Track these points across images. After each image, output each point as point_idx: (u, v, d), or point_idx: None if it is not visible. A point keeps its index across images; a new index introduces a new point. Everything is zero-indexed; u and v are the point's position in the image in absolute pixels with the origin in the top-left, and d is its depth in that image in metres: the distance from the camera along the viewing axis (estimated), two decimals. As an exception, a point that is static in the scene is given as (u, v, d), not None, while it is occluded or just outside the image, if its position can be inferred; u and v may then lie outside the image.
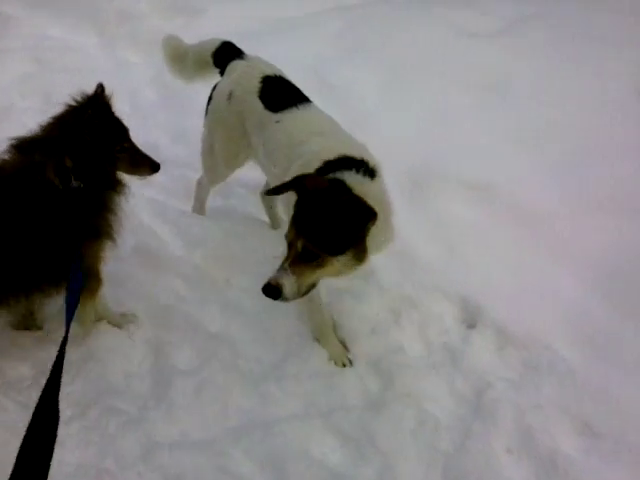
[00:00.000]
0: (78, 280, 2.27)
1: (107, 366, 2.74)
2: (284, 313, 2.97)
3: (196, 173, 3.59)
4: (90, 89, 4.51)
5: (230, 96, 3.00)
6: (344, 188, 2.29)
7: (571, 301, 3.01)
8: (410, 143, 3.73)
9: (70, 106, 2.53)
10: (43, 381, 2.62)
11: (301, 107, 2.81)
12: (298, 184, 2.31)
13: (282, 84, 2.97)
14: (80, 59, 5.51)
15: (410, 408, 2.57)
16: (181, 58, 3.35)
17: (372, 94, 4.33)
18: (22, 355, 2.77)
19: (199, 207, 3.61)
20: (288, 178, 2.41)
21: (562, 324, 2.91)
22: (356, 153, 2.48)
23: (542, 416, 2.57)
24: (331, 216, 2.19)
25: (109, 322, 2.90)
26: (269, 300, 3.00)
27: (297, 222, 2.27)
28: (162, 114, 4.69)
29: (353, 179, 2.34)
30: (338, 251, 2.24)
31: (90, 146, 2.46)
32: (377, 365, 2.78)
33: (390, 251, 3.17)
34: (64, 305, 2.28)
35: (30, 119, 4.56)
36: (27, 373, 2.71)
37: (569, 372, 2.71)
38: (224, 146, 3.16)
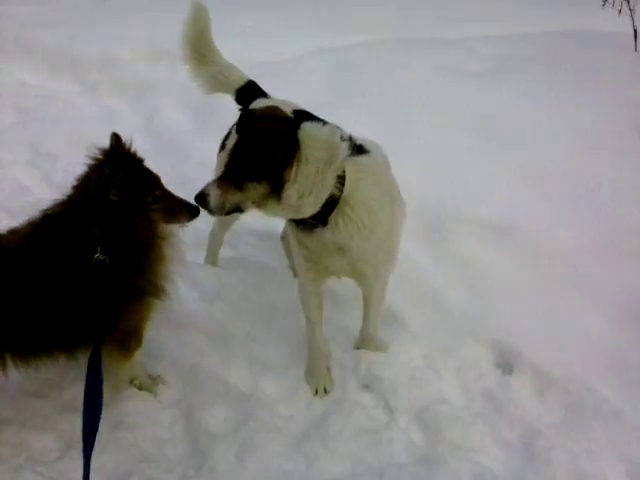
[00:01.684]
0: (98, 392, 2.14)
1: (138, 433, 2.59)
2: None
3: (205, 224, 3.48)
4: (76, 138, 4.34)
5: None
6: (272, 116, 2.35)
7: (603, 340, 3.00)
8: (420, 186, 3.70)
9: (90, 165, 2.36)
10: (71, 453, 2.51)
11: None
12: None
13: (313, 116, 2.88)
14: (63, 107, 5.42)
15: (464, 462, 2.48)
16: (202, 52, 3.15)
17: (373, 137, 4.31)
18: (46, 425, 2.62)
19: (212, 258, 3.50)
20: None
21: (599, 364, 2.89)
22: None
23: (596, 461, 2.52)
24: (248, 140, 2.27)
25: (137, 385, 2.76)
26: (296, 352, 2.96)
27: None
28: (157, 163, 4.55)
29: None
30: (251, 177, 2.25)
31: (118, 206, 2.29)
32: (420, 417, 2.69)
33: (417, 297, 3.16)
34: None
35: (20, 172, 4.48)
36: (53, 445, 2.56)
37: (616, 414, 2.67)
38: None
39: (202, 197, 2.30)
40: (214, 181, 2.34)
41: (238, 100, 3.13)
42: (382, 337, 3.01)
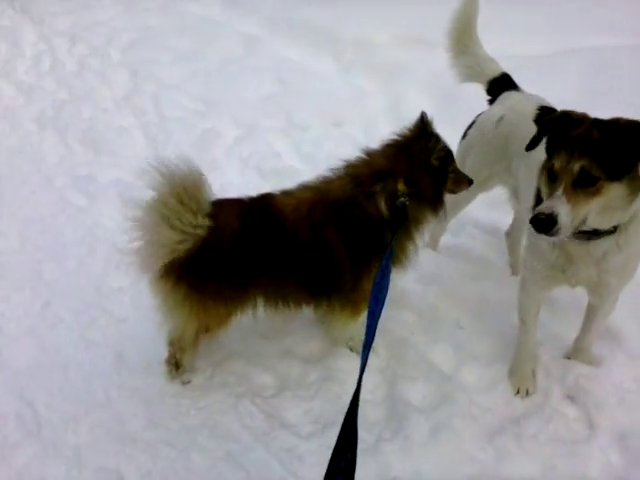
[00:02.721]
0: (377, 315, 2.26)
1: (344, 388, 2.83)
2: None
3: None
4: (327, 113, 4.65)
5: (500, 120, 3.01)
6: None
7: None
8: None
9: (400, 136, 2.72)
10: (285, 393, 2.83)
11: None
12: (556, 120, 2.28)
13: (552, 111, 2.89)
14: (318, 83, 5.82)
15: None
16: (464, 43, 3.27)
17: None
18: (267, 364, 2.97)
19: (433, 243, 3.63)
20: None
21: None
22: None
23: None
24: (615, 135, 2.08)
25: (349, 346, 3.01)
26: (501, 347, 2.99)
27: (571, 144, 2.11)
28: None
29: None
30: (619, 173, 2.07)
31: (436, 171, 2.67)
32: (623, 440, 2.59)
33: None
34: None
35: (274, 138, 4.98)
36: (271, 382, 2.90)
37: None
38: (477, 167, 3.12)
39: (546, 222, 2.05)
40: (556, 196, 2.07)
41: (489, 91, 3.22)
42: (596, 352, 2.92)
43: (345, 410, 2.71)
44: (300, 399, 2.81)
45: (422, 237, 2.83)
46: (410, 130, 2.69)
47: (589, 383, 2.79)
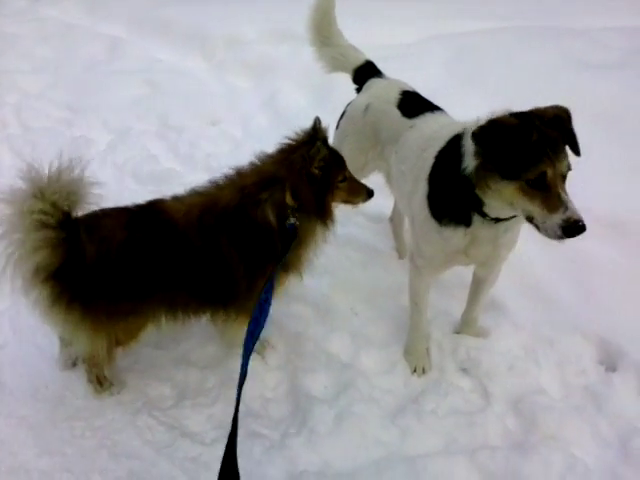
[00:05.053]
0: (265, 313, 2.30)
1: (245, 390, 2.76)
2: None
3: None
4: (202, 112, 4.56)
5: (367, 108, 3.06)
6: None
7: None
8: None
9: (291, 142, 2.63)
10: (184, 402, 2.75)
11: (436, 112, 2.87)
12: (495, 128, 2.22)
13: (419, 98, 3.03)
14: (190, 83, 5.72)
15: (557, 452, 2.50)
16: (325, 35, 3.30)
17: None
18: (162, 375, 2.87)
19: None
20: (416, 166, 2.65)
21: None
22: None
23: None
24: (569, 133, 2.25)
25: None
26: (395, 330, 3.07)
27: (547, 148, 2.14)
28: (275, 140, 4.76)
29: None
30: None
31: (317, 181, 2.56)
32: (517, 405, 2.72)
33: (523, 287, 3.18)
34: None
35: (148, 142, 4.82)
36: (168, 393, 2.80)
37: None
38: (353, 155, 3.06)
39: (581, 226, 2.10)
40: (568, 200, 2.13)
41: (355, 79, 3.29)
42: (484, 324, 3.05)
43: (248, 412, 2.72)
44: (201, 406, 2.73)
45: (317, 245, 2.74)
46: (301, 135, 2.61)
47: (480, 354, 2.91)
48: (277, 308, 3.12)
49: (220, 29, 6.30)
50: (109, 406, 2.73)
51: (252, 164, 2.64)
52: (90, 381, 2.77)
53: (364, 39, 5.30)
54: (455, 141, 2.47)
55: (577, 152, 2.26)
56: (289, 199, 2.53)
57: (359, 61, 3.28)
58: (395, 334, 3.08)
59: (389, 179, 3.22)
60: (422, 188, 2.60)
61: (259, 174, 2.58)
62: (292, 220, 2.53)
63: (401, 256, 3.62)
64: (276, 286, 2.56)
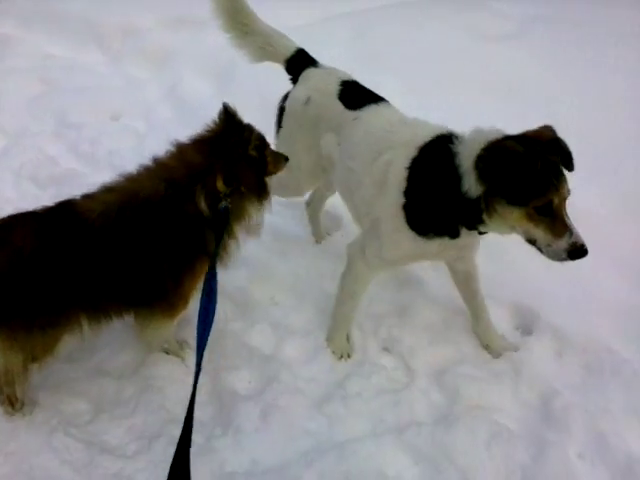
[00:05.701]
0: (212, 312, 2.25)
1: (166, 396, 2.69)
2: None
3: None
4: (101, 108, 4.30)
5: (307, 101, 2.94)
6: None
7: (623, 302, 3.01)
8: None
9: (209, 131, 2.54)
10: (102, 416, 2.62)
11: (380, 104, 2.80)
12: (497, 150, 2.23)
13: (360, 87, 2.93)
14: (87, 77, 5.44)
15: (481, 421, 2.54)
16: (242, 22, 3.07)
17: (397, 97, 4.29)
18: (77, 389, 2.73)
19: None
20: (377, 170, 2.57)
21: (618, 326, 2.91)
22: (446, 132, 2.49)
23: (613, 420, 2.56)
24: (567, 155, 2.28)
25: (165, 349, 2.86)
26: (316, 316, 3.03)
27: (552, 176, 2.18)
28: (180, 131, 4.60)
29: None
30: None
31: (256, 162, 2.57)
32: (440, 378, 2.76)
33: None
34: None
35: (46, 143, 4.56)
36: (84, 408, 2.67)
37: (634, 374, 2.70)
38: (305, 155, 3.03)
39: (584, 250, 2.20)
40: (571, 224, 2.22)
41: (289, 70, 3.10)
42: (403, 301, 3.07)
43: (170, 418, 2.63)
44: (119, 418, 2.61)
45: (244, 232, 2.71)
46: (218, 123, 2.53)
47: (400, 331, 2.93)
48: (191, 305, 3.04)
49: (115, 18, 5.99)
50: (22, 428, 2.56)
51: (172, 155, 2.52)
52: (2, 403, 2.59)
53: (270, 21, 5.19)
54: (431, 152, 2.44)
55: (571, 168, 2.30)
56: (221, 185, 2.47)
57: (290, 50, 3.08)
58: (316, 321, 3.05)
59: (320, 165, 3.08)
60: (393, 197, 2.51)
61: (185, 164, 2.47)
62: (224, 203, 2.47)
63: (318, 240, 3.58)
64: (196, 281, 2.53)
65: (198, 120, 4.38)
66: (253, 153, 2.54)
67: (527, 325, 2.99)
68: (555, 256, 2.23)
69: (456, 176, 2.31)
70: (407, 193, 2.47)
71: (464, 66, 4.60)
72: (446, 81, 4.52)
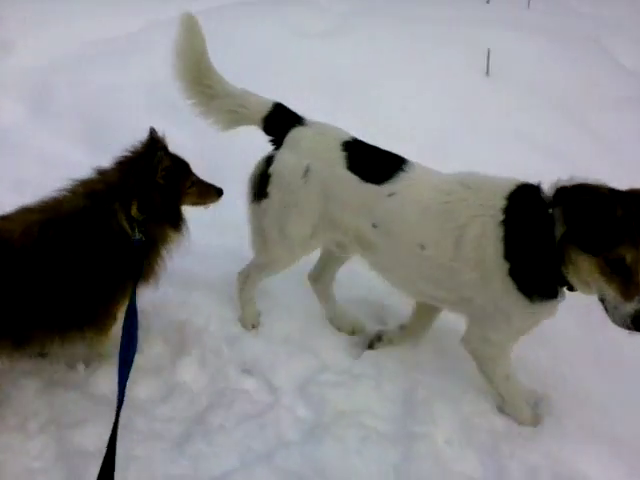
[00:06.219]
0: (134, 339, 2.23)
1: (4, 467, 2.37)
2: (195, 365, 2.77)
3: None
4: None
5: (307, 172, 2.57)
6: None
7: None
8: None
9: (130, 153, 2.56)
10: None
11: (407, 169, 2.49)
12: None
13: (365, 148, 2.60)
14: None
15: (349, 427, 2.48)
16: (206, 84, 2.71)
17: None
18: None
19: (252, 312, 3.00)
20: (468, 250, 2.31)
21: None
22: (517, 184, 2.34)
23: (474, 401, 2.60)
24: None
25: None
26: (169, 350, 2.80)
27: (632, 229, 2.02)
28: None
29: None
30: None
31: (163, 189, 2.52)
32: (303, 391, 2.66)
33: (290, 272, 3.05)
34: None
35: None
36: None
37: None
38: (300, 229, 2.68)
39: None
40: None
41: (267, 130, 2.73)
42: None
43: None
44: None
45: (170, 251, 2.68)
46: (139, 147, 2.56)
47: (259, 349, 2.83)
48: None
49: None
50: None
51: (93, 175, 2.55)
52: None
53: (93, 34, 4.82)
54: (519, 210, 2.27)
55: None
56: (135, 212, 2.47)
57: (266, 107, 2.71)
58: (167, 355, 2.83)
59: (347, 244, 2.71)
60: (497, 269, 2.29)
61: (106, 183, 2.50)
62: (138, 235, 2.46)
63: (331, 318, 3.05)
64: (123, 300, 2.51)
65: (12, 147, 3.99)
66: (160, 181, 2.51)
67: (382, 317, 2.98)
68: (620, 321, 2.08)
69: (544, 223, 2.20)
70: (507, 257, 2.27)
71: (288, 64, 4.57)
72: (274, 79, 4.44)
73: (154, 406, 2.61)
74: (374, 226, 2.51)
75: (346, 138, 2.61)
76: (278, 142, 2.69)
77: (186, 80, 2.72)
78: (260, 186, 2.70)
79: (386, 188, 2.46)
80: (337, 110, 4.02)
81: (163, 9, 5.66)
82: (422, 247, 2.41)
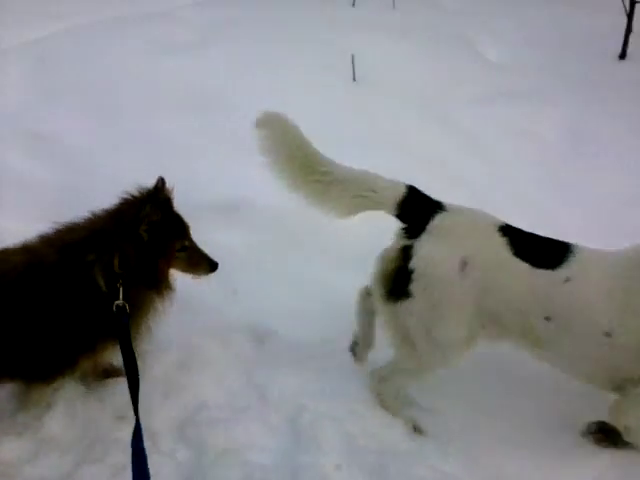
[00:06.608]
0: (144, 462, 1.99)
1: None
2: (66, 419, 2.56)
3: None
4: None
5: (465, 266, 2.28)
6: None
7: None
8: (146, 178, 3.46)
9: (126, 199, 2.38)
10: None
11: (577, 251, 2.29)
12: None
13: (521, 232, 2.38)
14: None
15: (231, 466, 2.34)
16: (321, 171, 2.44)
17: (86, 137, 3.97)
18: None
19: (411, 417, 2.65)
20: None
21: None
22: None
23: (360, 421, 2.54)
24: None
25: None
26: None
27: None
28: None
29: None
30: None
31: (145, 245, 2.31)
32: (182, 432, 2.50)
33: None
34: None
35: None
36: None
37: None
38: (455, 331, 2.38)
39: None
40: None
41: (402, 217, 2.42)
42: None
43: None
44: None
45: (155, 314, 2.51)
46: (141, 192, 2.37)
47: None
48: None
49: None
50: None
51: (86, 219, 2.39)
52: None
53: None
54: None
55: None
56: (116, 266, 2.27)
57: (400, 191, 2.41)
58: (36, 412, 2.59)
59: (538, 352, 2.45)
60: None
61: (88, 231, 2.33)
62: (120, 302, 2.24)
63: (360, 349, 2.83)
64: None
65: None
66: (143, 235, 2.30)
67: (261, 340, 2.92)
68: None
69: None
70: None
71: (149, 83, 4.43)
72: (139, 101, 4.29)
73: (22, 465, 2.39)
74: (547, 319, 2.29)
75: (500, 223, 2.38)
76: (414, 230, 2.38)
77: (294, 174, 2.45)
78: (399, 284, 2.37)
79: (560, 273, 2.26)
80: (203, 127, 3.93)
81: (21, 33, 5.36)
82: (608, 335, 2.23)
